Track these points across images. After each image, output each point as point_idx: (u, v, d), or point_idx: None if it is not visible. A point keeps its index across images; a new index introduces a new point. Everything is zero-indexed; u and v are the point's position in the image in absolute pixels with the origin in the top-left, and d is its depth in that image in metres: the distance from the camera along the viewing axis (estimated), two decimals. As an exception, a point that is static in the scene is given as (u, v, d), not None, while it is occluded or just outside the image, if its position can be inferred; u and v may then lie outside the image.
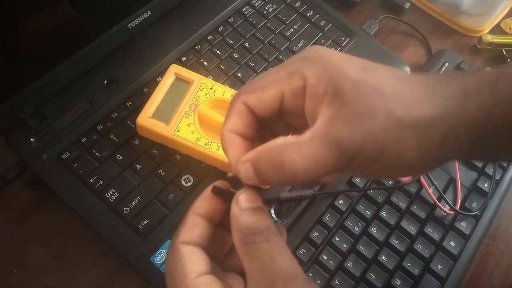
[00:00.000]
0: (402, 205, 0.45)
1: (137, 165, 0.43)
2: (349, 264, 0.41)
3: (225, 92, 0.45)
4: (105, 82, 0.48)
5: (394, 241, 0.43)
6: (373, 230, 0.43)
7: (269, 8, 0.57)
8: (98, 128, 0.45)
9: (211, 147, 0.42)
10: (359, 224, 0.43)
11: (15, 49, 0.41)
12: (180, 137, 0.42)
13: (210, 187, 0.28)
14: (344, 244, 0.42)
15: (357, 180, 0.46)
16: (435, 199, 0.44)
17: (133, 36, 0.50)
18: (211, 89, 0.45)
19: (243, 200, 0.25)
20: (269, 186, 0.41)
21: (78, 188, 0.42)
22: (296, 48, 0.54)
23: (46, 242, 0.42)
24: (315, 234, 0.42)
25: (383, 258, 0.42)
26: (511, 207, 0.49)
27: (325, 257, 0.41)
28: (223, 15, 0.55)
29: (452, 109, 0.22)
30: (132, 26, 0.49)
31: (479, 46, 0.61)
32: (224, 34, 0.53)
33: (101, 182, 0.42)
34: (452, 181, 0.47)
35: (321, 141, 0.22)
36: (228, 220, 0.26)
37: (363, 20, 0.60)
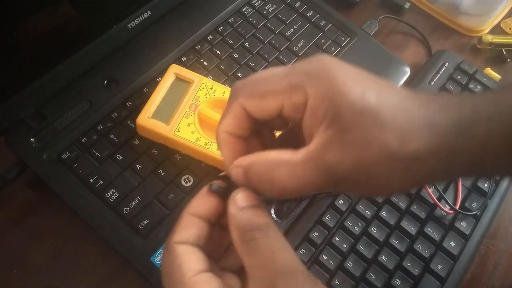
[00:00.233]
0: (402, 205, 0.45)
1: (137, 165, 0.43)
2: (349, 264, 0.41)
3: (225, 92, 0.45)
4: (105, 82, 0.48)
5: (394, 241, 0.43)
6: (373, 230, 0.43)
7: (269, 8, 0.57)
8: (98, 128, 0.45)
9: (211, 147, 0.42)
10: (359, 224, 0.43)
11: (15, 49, 0.41)
12: (180, 137, 0.42)
13: (206, 187, 0.28)
14: (344, 244, 0.42)
15: (357, 180, 0.46)
16: (435, 199, 0.44)
17: (133, 36, 0.50)
18: (211, 89, 0.45)
19: (240, 198, 0.25)
20: None
21: (78, 188, 0.42)
22: (296, 48, 0.54)
23: (46, 242, 0.42)
24: (315, 234, 0.42)
25: (383, 258, 0.42)
26: (511, 207, 0.49)
27: (325, 257, 0.41)
28: (223, 15, 0.55)
29: (447, 143, 0.22)
30: (132, 26, 0.49)
31: (479, 46, 0.61)
32: (224, 34, 0.53)
33: (101, 182, 0.42)
34: (452, 181, 0.47)
35: (313, 164, 0.22)
36: (225, 220, 0.26)
37: (363, 20, 0.60)
